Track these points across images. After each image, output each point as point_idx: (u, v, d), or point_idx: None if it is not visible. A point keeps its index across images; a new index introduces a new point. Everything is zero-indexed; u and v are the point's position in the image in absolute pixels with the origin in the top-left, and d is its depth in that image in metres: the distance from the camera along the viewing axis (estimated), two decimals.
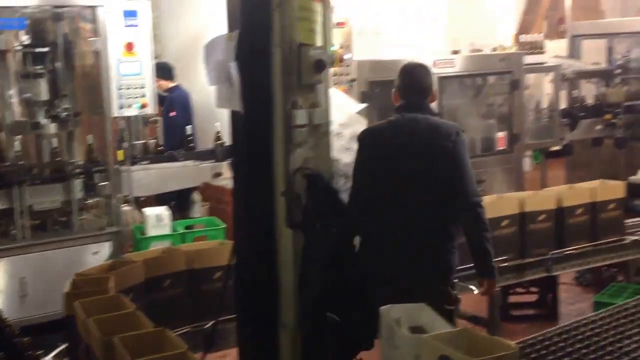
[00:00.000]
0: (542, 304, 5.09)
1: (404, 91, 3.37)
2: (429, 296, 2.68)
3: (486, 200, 4.58)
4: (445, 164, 3.20)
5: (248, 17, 3.06)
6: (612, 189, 4.95)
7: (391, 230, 3.24)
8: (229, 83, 3.04)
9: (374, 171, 3.24)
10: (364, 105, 3.79)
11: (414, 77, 3.39)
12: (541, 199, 4.66)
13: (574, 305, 5.20)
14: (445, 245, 3.27)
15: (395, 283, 3.17)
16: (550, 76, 7.99)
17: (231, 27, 3.12)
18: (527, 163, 8.05)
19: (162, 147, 5.54)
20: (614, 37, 8.70)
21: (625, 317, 3.40)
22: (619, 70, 8.23)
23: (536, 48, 7.89)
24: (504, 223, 4.45)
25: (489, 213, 4.39)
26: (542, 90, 8.43)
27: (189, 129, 5.61)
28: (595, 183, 5.07)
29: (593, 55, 9.76)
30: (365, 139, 3.26)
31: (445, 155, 3.19)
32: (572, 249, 4.67)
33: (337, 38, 5.72)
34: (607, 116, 7.83)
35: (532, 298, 5.14)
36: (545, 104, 8.10)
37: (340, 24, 5.74)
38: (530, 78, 8.25)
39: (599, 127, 7.90)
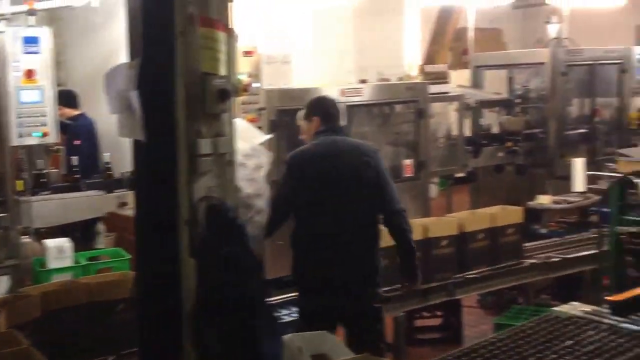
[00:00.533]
0: (447, 327, 5.22)
1: (324, 118, 3.82)
2: (359, 296, 3.31)
3: None
4: (369, 177, 3.69)
5: (150, 45, 3.03)
6: (511, 214, 5.14)
7: (324, 239, 3.65)
8: (130, 112, 3.00)
9: (306, 188, 3.66)
10: (268, 136, 3.84)
11: (331, 106, 3.88)
12: (444, 225, 4.79)
13: (477, 328, 5.35)
14: (373, 249, 3.72)
15: (328, 288, 3.59)
16: (454, 105, 8.28)
17: (133, 55, 3.09)
18: (434, 189, 8.28)
19: (66, 176, 5.41)
20: (515, 67, 9.10)
21: (522, 338, 3.52)
22: (519, 100, 8.61)
23: (441, 78, 8.15)
24: None
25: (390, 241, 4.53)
26: (448, 118, 8.71)
27: (106, 157, 5.54)
28: (495, 209, 5.26)
29: (495, 85, 10.17)
30: (295, 160, 3.53)
31: (368, 168, 3.69)
32: (474, 273, 4.82)
33: (245, 66, 5.73)
34: (508, 144, 8.15)
35: (437, 322, 5.26)
36: (450, 132, 8.37)
37: (248, 53, 5.76)
38: (436, 107, 8.51)
39: (501, 154, 8.22)
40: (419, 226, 4.69)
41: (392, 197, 3.78)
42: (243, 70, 5.72)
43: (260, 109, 5.85)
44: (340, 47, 10.36)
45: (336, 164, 3.69)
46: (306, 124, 3.86)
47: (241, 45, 5.63)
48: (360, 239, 3.66)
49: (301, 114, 3.91)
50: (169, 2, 2.94)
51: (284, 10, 8.40)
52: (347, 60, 10.22)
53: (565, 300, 4.52)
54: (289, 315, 4.15)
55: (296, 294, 3.84)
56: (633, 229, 3.65)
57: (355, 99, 6.67)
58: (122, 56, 3.16)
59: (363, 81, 7.64)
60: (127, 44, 3.12)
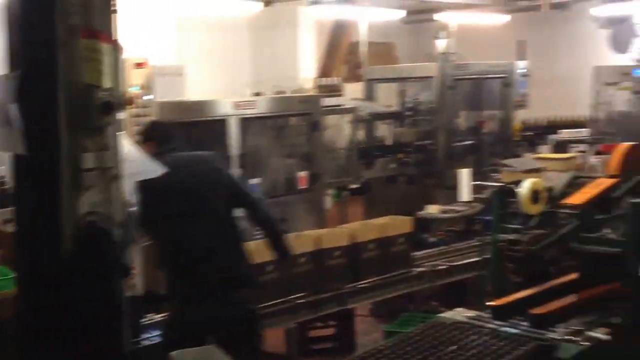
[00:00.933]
0: (340, 336, 5.29)
1: (160, 139, 3.91)
2: (231, 300, 3.45)
3: None
4: (219, 180, 3.81)
5: (31, 57, 2.95)
6: (400, 225, 5.28)
7: (188, 251, 3.71)
8: (10, 125, 2.90)
9: (163, 206, 3.65)
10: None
11: (163, 129, 4.12)
12: (336, 236, 4.87)
13: (370, 336, 5.45)
14: (239, 249, 3.80)
15: (199, 297, 3.64)
16: (348, 117, 8.44)
17: (12, 67, 2.99)
18: (328, 201, 8.39)
19: None
20: (406, 81, 9.37)
21: (409, 344, 3.62)
22: (409, 112, 8.86)
23: (335, 91, 8.29)
24: (301, 260, 4.59)
25: None
26: (342, 130, 8.87)
27: (1, 170, 5.28)
28: (385, 219, 5.39)
29: (388, 97, 10.43)
30: (143, 184, 3.48)
31: (216, 173, 3.83)
32: (365, 283, 4.91)
33: (137, 79, 5.64)
34: (400, 155, 8.38)
35: (331, 332, 5.32)
36: (344, 143, 8.52)
37: (139, 65, 5.67)
38: (330, 119, 8.65)
39: (393, 165, 8.43)
40: (312, 237, 4.75)
41: (246, 191, 3.98)
42: (134, 82, 5.63)
43: None
44: (235, 59, 10.36)
45: (182, 177, 3.76)
46: (143, 148, 3.87)
47: (132, 57, 5.55)
48: (223, 243, 3.76)
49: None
50: (50, 12, 2.87)
51: (174, 21, 8.31)
52: (243, 73, 10.23)
53: (452, 306, 4.69)
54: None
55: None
56: (512, 237, 3.82)
57: (249, 112, 6.69)
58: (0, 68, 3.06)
59: (257, 94, 7.69)
60: (6, 54, 3.02)
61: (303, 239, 4.72)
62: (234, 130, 6.37)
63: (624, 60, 9.33)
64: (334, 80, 8.37)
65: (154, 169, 3.50)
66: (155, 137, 3.94)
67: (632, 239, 3.57)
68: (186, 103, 6.44)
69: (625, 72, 8.49)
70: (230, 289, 3.68)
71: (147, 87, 5.75)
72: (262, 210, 3.94)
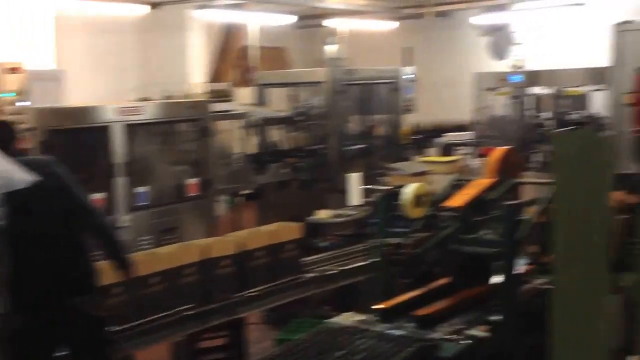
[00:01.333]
0: (232, 346, 5.21)
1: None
2: (73, 306, 3.42)
3: (168, 250, 4.65)
4: (56, 188, 3.64)
5: None
6: (290, 231, 5.26)
7: (36, 262, 3.58)
8: None
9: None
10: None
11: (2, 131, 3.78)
12: (224, 245, 4.79)
13: (262, 344, 5.41)
14: (86, 258, 3.71)
15: (40, 303, 3.55)
16: (239, 122, 8.37)
17: None
18: (221, 207, 8.30)
19: None
20: (297, 86, 9.39)
21: (298, 351, 3.61)
22: (301, 117, 8.87)
23: (225, 96, 8.22)
24: (188, 271, 4.49)
25: (173, 262, 4.46)
26: (234, 136, 8.79)
27: None
28: (274, 226, 5.35)
29: (279, 102, 10.43)
30: None
31: (52, 178, 3.62)
32: (256, 291, 4.86)
33: (11, 84, 5.37)
34: (292, 160, 8.38)
35: (221, 342, 5.24)
36: (236, 149, 8.45)
37: (14, 69, 5.40)
38: (221, 124, 8.56)
39: (285, 170, 8.43)
40: (198, 247, 4.66)
41: (83, 202, 3.81)
42: (8, 88, 5.37)
43: (30, 129, 5.50)
44: (122, 63, 10.08)
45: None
46: None
47: (5, 61, 5.28)
48: (61, 246, 3.65)
49: None
50: None
51: (53, 22, 7.95)
52: (130, 77, 9.98)
53: (345, 310, 4.71)
54: None
55: None
56: (396, 240, 3.88)
57: (135, 118, 6.50)
58: None
59: (144, 99, 7.51)
60: None
61: (189, 249, 4.62)
62: (118, 138, 6.17)
63: (502, 66, 9.72)
64: (224, 85, 8.28)
65: (22, 179, 3.34)
66: None
67: (506, 240, 3.70)
68: (66, 109, 6.19)
69: (503, 78, 8.85)
70: (68, 296, 3.57)
71: (22, 93, 5.49)
72: (98, 219, 3.83)
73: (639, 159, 1.78)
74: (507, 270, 3.71)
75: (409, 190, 3.97)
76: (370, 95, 8.87)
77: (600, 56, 7.67)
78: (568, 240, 1.50)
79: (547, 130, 8.74)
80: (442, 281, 3.98)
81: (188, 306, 4.42)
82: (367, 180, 7.22)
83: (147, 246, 6.69)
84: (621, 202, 5.02)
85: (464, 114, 9.66)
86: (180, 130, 7.43)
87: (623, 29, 6.54)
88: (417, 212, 3.98)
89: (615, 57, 6.68)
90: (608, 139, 1.50)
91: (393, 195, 4.33)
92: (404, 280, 4.25)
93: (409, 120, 9.65)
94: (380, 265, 4.19)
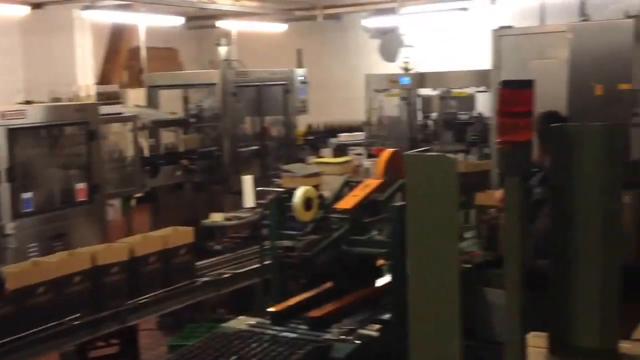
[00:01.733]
0: (124, 354, 5.12)
1: None
2: None
3: (55, 258, 4.51)
4: None
5: None
6: (182, 235, 5.22)
7: None
8: None
9: None
10: None
11: None
12: (114, 252, 4.70)
13: (155, 351, 5.35)
14: None
15: None
16: (129, 125, 8.19)
17: None
18: (112, 212, 8.10)
19: None
20: (189, 87, 9.29)
21: (191, 358, 3.59)
22: (194, 119, 8.78)
23: (114, 98, 8.01)
24: (76, 280, 4.37)
25: (60, 271, 4.33)
26: (125, 139, 8.59)
27: None
28: (166, 230, 5.29)
29: (172, 103, 10.28)
30: None
31: None
32: (147, 297, 4.79)
33: None
34: (185, 162, 8.28)
35: (114, 350, 5.14)
36: (127, 152, 8.26)
37: None
38: (112, 127, 8.34)
39: (179, 172, 8.32)
40: (87, 255, 4.54)
41: None
42: None
43: None
44: (6, 64, 9.69)
45: None
46: None
47: None
48: None
49: None
50: None
51: None
52: (15, 79, 9.59)
53: (240, 313, 4.72)
54: None
55: None
56: (288, 243, 3.92)
57: (18, 122, 6.27)
58: None
59: (29, 102, 7.22)
60: None
61: (77, 257, 4.50)
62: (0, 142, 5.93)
63: (392, 68, 9.97)
64: (112, 87, 8.07)
65: None
66: None
67: (394, 240, 3.80)
68: None
69: (393, 80, 9.07)
70: None
71: None
72: None
73: (502, 169, 1.90)
74: (395, 270, 3.82)
75: (299, 193, 4.02)
76: (263, 96, 8.89)
77: (484, 59, 8.04)
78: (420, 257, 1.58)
79: (435, 130, 9.05)
80: (333, 283, 4.04)
81: (77, 315, 4.32)
82: (261, 182, 7.25)
83: (34, 254, 6.46)
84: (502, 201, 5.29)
85: (357, 115, 9.85)
86: (67, 133, 7.21)
87: (501, 34, 6.86)
88: (308, 215, 4.04)
89: (494, 60, 7.00)
90: (454, 163, 1.58)
91: (285, 197, 4.38)
92: (300, 282, 4.29)
93: (303, 122, 9.75)
94: (273, 268, 4.22)
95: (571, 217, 1.93)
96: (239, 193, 8.37)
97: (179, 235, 5.20)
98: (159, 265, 4.90)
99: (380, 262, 4.16)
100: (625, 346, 1.92)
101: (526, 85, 1.97)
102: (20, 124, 6.35)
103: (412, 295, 1.57)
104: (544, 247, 2.88)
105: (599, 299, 1.88)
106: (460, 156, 8.89)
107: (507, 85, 1.95)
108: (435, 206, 1.57)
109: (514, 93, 1.89)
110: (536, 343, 2.14)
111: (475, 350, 4.80)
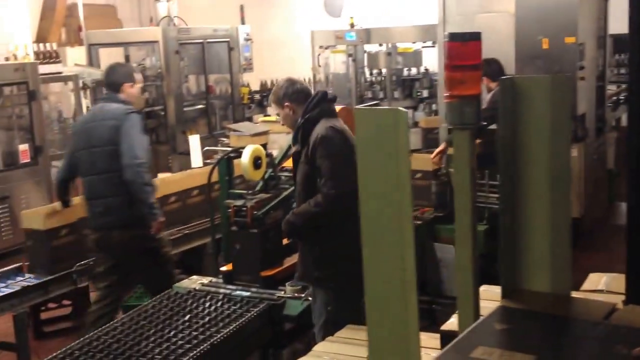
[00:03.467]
0: (78, 315, 5.11)
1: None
2: None
3: None
4: (112, 136, 4.29)
5: None
6: None
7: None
8: None
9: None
10: None
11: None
12: (65, 215, 4.66)
13: None
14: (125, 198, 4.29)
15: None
16: (70, 85, 8.01)
17: None
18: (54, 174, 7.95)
19: None
20: (130, 45, 9.09)
21: (144, 317, 3.62)
22: None
23: (52, 57, 7.79)
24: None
25: None
26: (68, 99, 8.41)
27: None
28: None
29: (111, 62, 10.05)
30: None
31: (112, 129, 4.29)
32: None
33: None
34: None
35: (67, 311, 5.12)
36: (69, 112, 8.09)
37: None
38: (53, 87, 8.14)
39: None
40: (37, 215, 4.51)
41: (125, 153, 4.24)
42: None
43: None
44: None
45: (91, 126, 4.43)
46: None
47: None
48: (113, 189, 4.27)
49: None
50: None
51: None
52: None
53: (190, 274, 4.74)
54: None
55: None
56: (238, 203, 3.95)
57: None
58: None
59: None
60: None
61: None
62: None
63: (338, 24, 9.92)
64: (50, 45, 7.85)
65: None
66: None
67: None
68: None
69: (339, 36, 9.03)
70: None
71: None
72: (129, 175, 4.19)
73: (451, 123, 1.93)
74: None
75: (248, 152, 4.03)
76: (206, 54, 8.77)
77: (430, 14, 8.08)
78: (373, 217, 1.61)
79: (383, 87, 9.08)
80: (285, 241, 4.10)
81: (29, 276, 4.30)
82: (208, 141, 7.20)
83: None
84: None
85: (303, 73, 9.82)
86: (6, 94, 7.03)
87: None
88: (257, 174, 4.06)
89: (440, 14, 7.04)
90: (406, 116, 1.59)
91: (233, 157, 4.39)
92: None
93: (248, 80, 9.67)
94: (224, 228, 4.25)
95: (520, 169, 1.99)
96: (184, 153, 8.31)
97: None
98: None
99: None
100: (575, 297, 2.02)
101: (473, 37, 1.98)
102: None
103: (366, 253, 1.61)
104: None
105: (549, 247, 1.96)
106: (409, 113, 8.98)
107: (453, 38, 1.96)
108: (388, 162, 1.59)
109: (461, 46, 1.91)
110: (488, 296, 2.23)
111: (430, 304, 4.99)
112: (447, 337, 2.14)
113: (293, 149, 3.75)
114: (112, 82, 4.54)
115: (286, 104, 3.71)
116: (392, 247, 1.58)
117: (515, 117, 1.99)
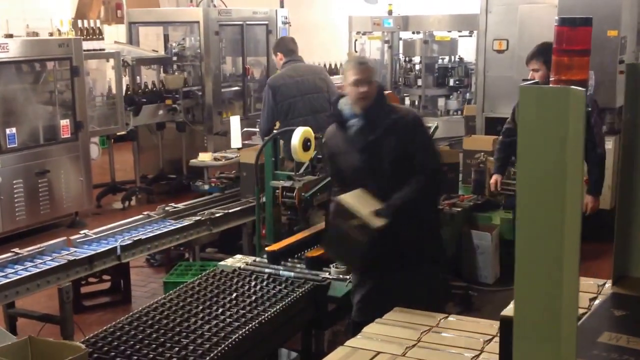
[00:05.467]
0: (116, 290, 5.17)
1: (286, 53, 5.76)
2: None
3: None
4: (322, 87, 5.69)
5: None
6: None
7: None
8: None
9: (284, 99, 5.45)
10: None
11: (289, 42, 5.94)
12: None
13: (146, 287, 5.39)
14: None
15: None
16: (111, 62, 8.06)
17: None
18: (95, 150, 8.03)
19: None
20: (169, 25, 9.13)
21: (191, 295, 3.65)
22: (175, 58, 8.67)
23: (94, 34, 7.84)
24: None
25: None
26: (105, 76, 8.46)
27: None
28: None
29: (152, 41, 10.10)
30: (273, 81, 5.60)
31: (322, 82, 5.76)
32: (140, 234, 4.83)
33: None
34: (168, 101, 8.20)
35: (106, 286, 5.19)
36: (108, 90, 8.15)
37: None
38: (92, 64, 8.20)
39: (161, 112, 8.25)
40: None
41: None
42: None
43: None
44: None
45: (301, 80, 5.45)
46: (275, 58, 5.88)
47: None
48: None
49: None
50: None
51: None
52: None
53: (229, 253, 4.77)
54: None
55: None
56: (285, 184, 3.97)
57: (2, 56, 6.16)
58: None
59: (9, 36, 7.06)
60: None
61: None
62: None
63: (375, 10, 9.87)
64: (92, 22, 7.90)
65: None
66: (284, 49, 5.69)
67: None
68: None
69: (376, 22, 9.00)
70: None
71: None
72: None
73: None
74: None
75: (297, 134, 4.05)
76: (245, 36, 8.77)
77: (469, 3, 8.00)
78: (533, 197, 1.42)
79: (417, 74, 9.04)
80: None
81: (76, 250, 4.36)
82: (243, 123, 7.21)
83: (19, 190, 6.44)
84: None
85: (339, 58, 9.79)
86: (49, 69, 7.10)
87: None
88: (306, 157, 4.08)
89: (483, 4, 6.99)
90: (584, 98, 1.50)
91: (279, 138, 4.41)
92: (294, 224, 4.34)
93: None
94: (269, 208, 4.27)
95: None
96: (220, 134, 8.35)
97: None
98: None
99: None
100: None
101: (584, 23, 1.88)
102: (3, 58, 6.24)
103: (520, 243, 1.42)
104: None
105: None
106: (441, 101, 8.94)
107: (563, 22, 1.89)
108: (557, 147, 1.39)
109: (570, 31, 1.85)
110: None
111: (466, 290, 4.99)
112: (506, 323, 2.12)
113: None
114: None
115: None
116: (551, 251, 1.37)
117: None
